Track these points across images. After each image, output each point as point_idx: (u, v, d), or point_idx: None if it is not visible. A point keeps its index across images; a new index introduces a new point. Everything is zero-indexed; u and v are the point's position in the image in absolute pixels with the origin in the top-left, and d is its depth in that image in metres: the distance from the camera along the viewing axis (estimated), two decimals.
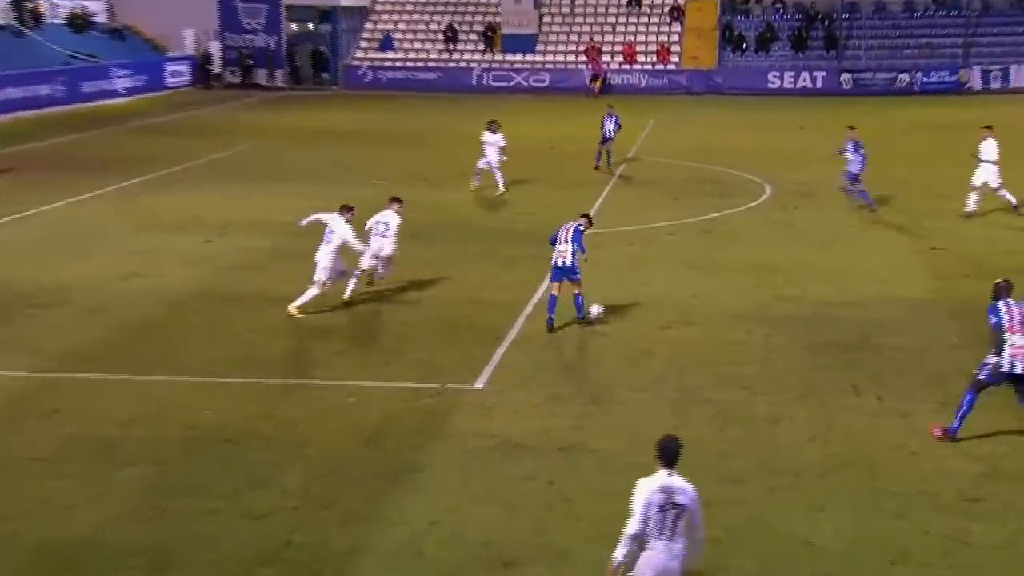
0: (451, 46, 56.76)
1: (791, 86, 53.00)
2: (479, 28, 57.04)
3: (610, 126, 30.72)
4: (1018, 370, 12.37)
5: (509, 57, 56.07)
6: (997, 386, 12.70)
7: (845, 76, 52.92)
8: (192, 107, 48.21)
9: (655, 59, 55.18)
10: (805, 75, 53.28)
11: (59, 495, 11.40)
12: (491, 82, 54.68)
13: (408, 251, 21.29)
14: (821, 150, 29.21)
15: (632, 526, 8.19)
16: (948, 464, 12.16)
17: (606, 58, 54.99)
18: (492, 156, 27.41)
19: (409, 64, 56.46)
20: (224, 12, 56.66)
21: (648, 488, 8.23)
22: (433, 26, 57.99)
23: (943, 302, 18.26)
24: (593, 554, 9.63)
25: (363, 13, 58.92)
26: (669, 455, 8.33)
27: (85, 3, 53.67)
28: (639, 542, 8.21)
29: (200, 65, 57.04)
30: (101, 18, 54.97)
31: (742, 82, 53.31)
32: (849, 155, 24.95)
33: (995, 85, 52.00)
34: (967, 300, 18.29)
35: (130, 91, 50.63)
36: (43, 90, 45.08)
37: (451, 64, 56.15)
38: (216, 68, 57.54)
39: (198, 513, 11.02)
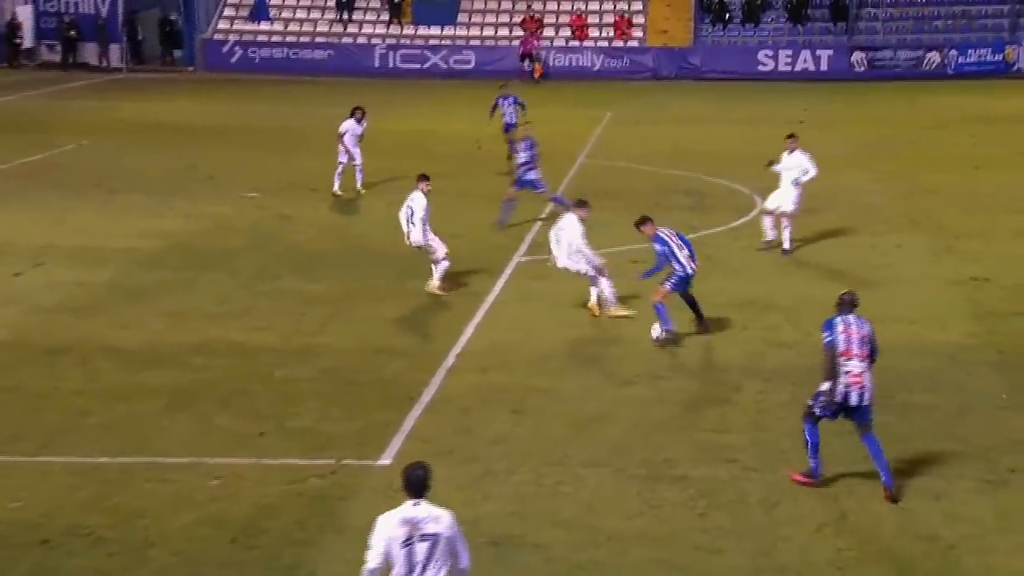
0: (346, 15, 56.81)
1: (788, 69, 53.80)
2: None
3: (510, 110, 32.06)
4: (852, 401, 13.19)
5: (422, 31, 56.28)
6: (832, 419, 13.44)
7: (858, 55, 53.86)
8: None
9: (612, 34, 55.73)
10: (806, 54, 54.13)
11: None
12: (399, 63, 54.86)
13: (290, 285, 21.25)
14: (827, 151, 29.65)
15: (367, 562, 9.23)
16: (997, 560, 12.32)
17: (548, 32, 55.41)
18: (354, 148, 29.01)
19: (290, 39, 56.39)
20: None
21: (387, 522, 9.22)
22: None
23: (987, 348, 18.55)
24: None
25: None
26: (415, 484, 9.27)
27: None
28: None
29: (5, 38, 56.41)
30: None
31: (725, 64, 54.08)
32: (522, 155, 26.36)
33: None
34: (1018, 345, 18.61)
35: None
36: None
37: (346, 40, 56.20)
38: (27, 42, 56.99)
39: None
